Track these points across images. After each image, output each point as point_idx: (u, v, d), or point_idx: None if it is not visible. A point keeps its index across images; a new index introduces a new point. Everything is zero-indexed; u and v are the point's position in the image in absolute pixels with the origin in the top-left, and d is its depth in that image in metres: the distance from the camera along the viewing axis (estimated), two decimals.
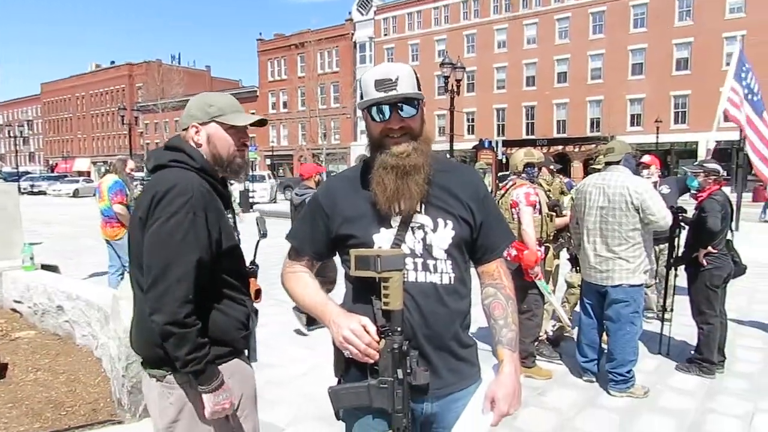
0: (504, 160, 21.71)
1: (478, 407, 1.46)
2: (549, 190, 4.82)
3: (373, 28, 46.39)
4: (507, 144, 30.95)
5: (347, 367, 1.50)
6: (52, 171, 62.88)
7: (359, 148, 46.46)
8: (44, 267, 5.48)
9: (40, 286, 4.76)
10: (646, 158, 6.00)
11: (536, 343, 4.47)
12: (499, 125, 41.21)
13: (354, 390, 1.45)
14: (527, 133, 39.68)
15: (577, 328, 4.45)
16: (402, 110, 1.44)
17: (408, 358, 1.39)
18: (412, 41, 44.55)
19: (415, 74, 1.48)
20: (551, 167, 5.10)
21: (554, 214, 4.62)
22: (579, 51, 37.41)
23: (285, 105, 50.81)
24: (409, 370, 1.39)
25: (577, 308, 4.85)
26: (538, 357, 4.44)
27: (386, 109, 1.43)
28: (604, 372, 4.00)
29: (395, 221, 1.47)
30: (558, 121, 39.03)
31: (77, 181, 40.06)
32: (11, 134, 75.27)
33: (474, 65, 40.38)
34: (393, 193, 1.43)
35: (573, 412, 3.65)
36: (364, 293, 1.47)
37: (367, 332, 1.38)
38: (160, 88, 49.80)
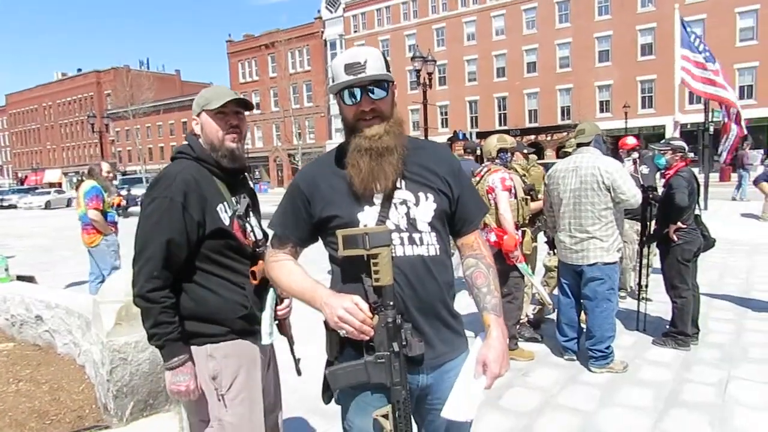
0: (479, 151, 21.87)
1: (469, 374, 1.50)
2: (524, 175, 4.91)
3: (343, 26, 46.26)
4: (480, 135, 31.15)
5: (342, 347, 1.52)
6: (22, 183, 61.35)
7: (335, 146, 46.29)
8: (20, 278, 5.39)
9: (17, 297, 4.68)
10: (631, 140, 6.14)
11: (518, 326, 4.55)
12: (472, 117, 41.53)
13: (351, 368, 1.47)
14: (500, 124, 40.04)
15: (556, 309, 4.56)
16: (372, 93, 1.47)
17: (402, 331, 1.43)
18: (382, 37, 44.54)
19: (384, 57, 1.52)
20: (525, 152, 5.19)
21: (529, 198, 4.71)
22: (547, 40, 37.87)
23: (258, 106, 50.35)
24: (404, 343, 1.42)
25: (556, 291, 4.97)
26: (519, 339, 4.53)
27: (357, 92, 1.47)
28: (584, 350, 4.10)
29: (378, 198, 1.50)
30: (529, 111, 39.48)
31: (48, 193, 39.17)
32: None
33: (445, 59, 40.61)
34: (368, 174, 1.47)
35: (556, 389, 3.75)
36: (353, 272, 1.50)
37: (361, 309, 1.40)
38: (129, 94, 48.92)
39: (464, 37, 41.43)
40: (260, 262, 1.87)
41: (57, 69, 78.86)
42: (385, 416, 1.45)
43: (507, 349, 1.53)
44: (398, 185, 1.52)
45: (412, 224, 1.51)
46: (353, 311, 1.40)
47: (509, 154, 4.69)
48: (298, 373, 2.08)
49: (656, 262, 5.17)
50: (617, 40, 35.44)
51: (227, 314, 1.84)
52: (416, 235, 1.51)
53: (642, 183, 5.35)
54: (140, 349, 3.15)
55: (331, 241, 1.54)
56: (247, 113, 2.00)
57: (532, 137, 37.16)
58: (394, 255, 1.46)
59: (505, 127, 38.69)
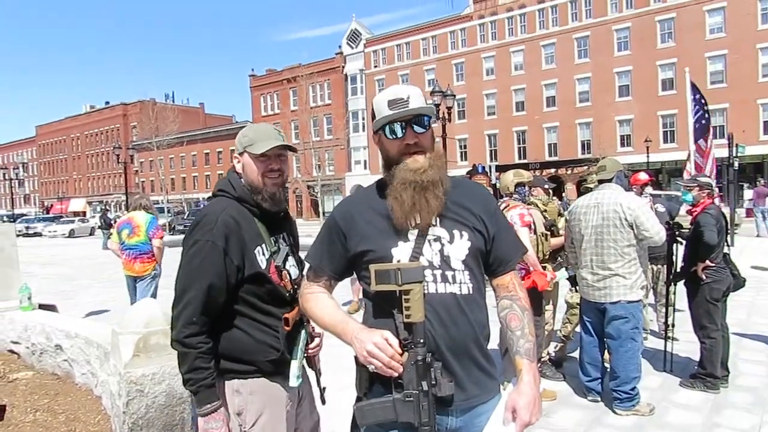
0: (498, 185, 21.85)
1: (499, 420, 1.46)
2: (545, 210, 4.87)
3: (363, 61, 47.21)
4: (500, 169, 31.15)
5: (371, 383, 1.50)
6: (48, 212, 62.76)
7: (354, 178, 46.64)
8: (42, 306, 5.44)
9: (38, 326, 4.72)
10: (643, 176, 6.05)
11: (539, 365, 4.44)
12: (491, 150, 41.63)
13: (379, 405, 1.44)
14: (519, 158, 40.06)
15: (579, 347, 4.44)
16: (415, 127, 1.50)
17: (432, 370, 1.40)
18: (402, 72, 45.31)
19: (424, 95, 1.56)
20: (546, 187, 5.15)
21: (549, 234, 4.66)
22: (566, 75, 38.12)
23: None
24: (433, 382, 1.40)
25: (578, 328, 4.85)
26: (541, 378, 4.41)
27: (399, 127, 1.50)
28: (608, 390, 3.97)
29: (412, 234, 1.50)
30: (549, 145, 39.46)
31: (72, 221, 39.99)
32: (6, 177, 75.52)
33: (464, 93, 41.05)
34: (410, 207, 1.48)
35: (580, 431, 3.62)
36: (384, 308, 1.49)
37: (390, 345, 1.38)
38: (154, 126, 50.24)
39: (483, 72, 41.92)
40: (296, 308, 1.86)
41: (86, 101, 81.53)
42: None
43: (539, 396, 1.48)
44: (433, 222, 1.51)
45: (445, 261, 1.50)
46: (383, 347, 1.38)
47: (527, 188, 4.67)
48: (323, 402, 2.06)
49: (679, 298, 5.04)
50: (637, 74, 35.50)
51: (258, 356, 1.83)
52: (449, 273, 1.50)
53: (667, 221, 5.25)
54: (157, 381, 3.14)
55: (365, 276, 1.54)
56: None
57: (552, 170, 37.02)
58: (426, 292, 1.45)
59: (525, 161, 38.69)
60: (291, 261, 1.95)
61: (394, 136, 1.51)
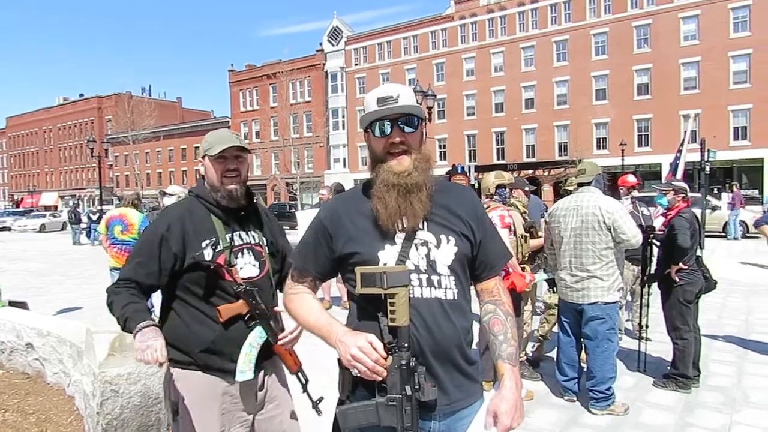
0: (477, 185, 22.05)
1: (481, 423, 1.46)
2: (525, 212, 4.91)
3: (344, 58, 47.05)
4: (479, 169, 31.40)
5: (354, 386, 1.49)
6: (18, 206, 61.13)
7: (333, 176, 46.46)
8: (12, 303, 5.30)
9: (8, 324, 4.59)
10: (631, 179, 6.04)
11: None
12: (470, 151, 41.91)
13: (362, 409, 1.43)
14: (498, 158, 40.42)
15: (556, 347, 4.50)
16: (403, 126, 1.49)
17: (416, 374, 1.39)
18: (382, 70, 45.29)
19: (415, 95, 1.55)
20: (526, 189, 5.20)
21: (528, 235, 4.71)
22: (545, 78, 38.56)
23: (258, 135, 50.80)
24: (417, 386, 1.39)
25: (556, 328, 4.92)
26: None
27: (387, 125, 1.49)
28: (585, 390, 4.03)
29: (399, 238, 1.49)
30: (527, 146, 39.90)
31: (44, 216, 39.00)
32: None
33: (444, 93, 41.22)
34: (395, 210, 1.46)
35: (556, 431, 3.66)
36: (369, 311, 1.48)
37: (375, 349, 1.37)
38: (130, 120, 49.32)
39: (464, 73, 42.15)
40: (237, 303, 1.94)
41: (59, 93, 79.63)
42: None
43: (521, 400, 1.48)
44: (420, 226, 1.51)
45: (431, 266, 1.49)
46: (367, 350, 1.37)
47: (507, 190, 4.71)
48: (318, 413, 2.00)
49: (652, 298, 5.14)
50: (614, 79, 36.12)
51: (191, 346, 1.93)
52: (435, 278, 1.49)
53: (642, 223, 5.35)
54: (132, 381, 3.07)
55: (350, 278, 1.52)
56: (245, 141, 2.13)
57: (530, 172, 37.48)
58: (411, 296, 1.44)
59: (503, 162, 39.05)
60: (248, 258, 2.03)
61: (381, 134, 1.50)
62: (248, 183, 2.08)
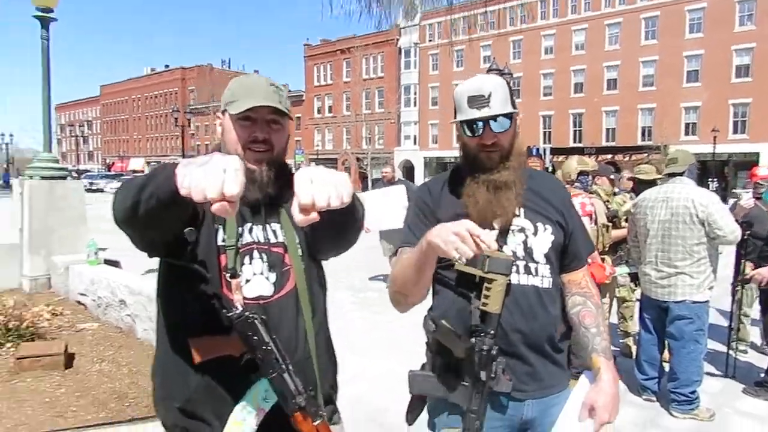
0: (551, 168, 21.35)
1: (573, 415, 1.45)
2: (607, 201, 4.69)
3: (418, 34, 46.45)
4: (554, 152, 30.36)
5: (434, 361, 1.50)
6: (109, 170, 65.62)
7: (403, 153, 46.52)
8: (107, 262, 5.72)
9: (104, 280, 4.97)
10: (764, 171, 5.37)
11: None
12: (545, 132, 40.51)
13: (432, 378, 1.47)
14: (574, 141, 38.85)
15: (635, 344, 4.32)
16: (495, 125, 1.45)
17: (495, 363, 1.39)
18: (457, 47, 44.30)
19: (508, 86, 1.49)
20: (611, 176, 4.96)
21: (610, 225, 4.50)
22: (630, 57, 36.38)
23: (330, 109, 51.48)
24: (493, 375, 1.38)
25: (633, 324, 4.71)
26: None
27: (479, 124, 1.45)
28: (665, 391, 3.85)
29: (496, 224, 1.48)
30: (607, 129, 38.05)
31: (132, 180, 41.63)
32: (72, 134, 79.26)
33: (520, 71, 39.87)
34: (485, 207, 1.45)
35: (634, 431, 3.53)
36: (462, 288, 1.47)
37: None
38: (210, 91, 51.37)
39: (542, 51, 40.55)
40: (226, 338, 1.23)
41: (147, 64, 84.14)
42: None
43: (618, 394, 1.46)
44: (516, 212, 1.49)
45: (528, 253, 1.49)
46: (469, 225, 1.22)
47: (590, 177, 4.52)
48: None
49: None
50: (709, 59, 33.53)
51: (171, 395, 1.32)
52: (532, 265, 1.49)
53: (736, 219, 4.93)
54: None
55: (442, 258, 1.44)
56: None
57: (609, 156, 35.78)
58: (508, 282, 1.43)
59: (580, 145, 37.53)
60: (258, 265, 1.33)
61: (472, 134, 1.47)
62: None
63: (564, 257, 1.57)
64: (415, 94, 46.40)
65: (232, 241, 1.29)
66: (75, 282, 5.43)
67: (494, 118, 1.43)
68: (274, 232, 1.36)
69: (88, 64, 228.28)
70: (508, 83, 1.52)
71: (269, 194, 1.34)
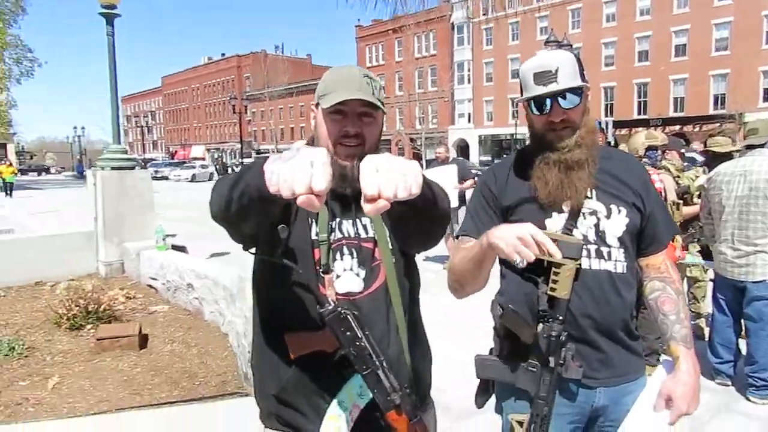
0: (613, 143, 20.46)
1: (648, 404, 1.41)
2: (677, 176, 4.44)
3: (471, 9, 45.24)
4: (617, 125, 29.06)
5: (502, 345, 1.48)
6: (172, 157, 68.48)
7: (457, 131, 45.89)
8: (174, 247, 5.99)
9: (172, 265, 5.21)
10: None
11: (659, 340, 4.17)
12: (606, 105, 38.76)
13: (500, 364, 1.45)
14: (639, 113, 36.98)
15: (708, 326, 4.10)
16: (563, 101, 1.39)
17: (564, 349, 1.35)
18: (512, 20, 42.89)
19: (578, 60, 1.43)
20: (681, 151, 4.68)
21: (681, 202, 4.27)
22: (701, 20, 34.02)
23: (383, 90, 51.36)
24: (562, 361, 1.35)
25: (708, 305, 4.47)
26: (660, 355, 4.14)
27: (547, 101, 1.39)
28: (741, 375, 3.65)
29: (566, 206, 1.44)
30: (675, 99, 35.94)
31: (194, 167, 43.42)
32: (137, 124, 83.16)
33: (580, 41, 38.14)
34: (556, 188, 1.41)
35: (707, 416, 3.37)
36: (529, 272, 1.43)
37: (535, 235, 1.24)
38: (266, 78, 52.37)
39: (603, 18, 38.60)
40: (318, 334, 1.24)
41: (204, 54, 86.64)
42: (521, 423, 1.42)
43: (697, 385, 1.40)
44: (588, 194, 1.44)
45: (600, 237, 1.44)
46: (533, 230, 1.23)
47: (659, 152, 4.29)
48: None
49: None
50: None
51: (266, 385, 1.36)
52: (605, 249, 1.44)
53: None
54: None
55: None
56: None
57: (677, 128, 33.85)
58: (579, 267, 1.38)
59: (645, 116, 35.73)
60: (348, 261, 1.32)
61: (540, 112, 1.41)
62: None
63: (641, 240, 1.51)
64: (468, 71, 45.49)
65: (324, 236, 1.29)
66: (146, 266, 5.73)
67: (562, 94, 1.37)
68: (364, 226, 1.35)
69: (151, 56, 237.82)
70: (577, 56, 1.45)
71: (360, 190, 1.19)
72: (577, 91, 1.39)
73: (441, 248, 7.78)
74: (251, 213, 1.12)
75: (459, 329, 4.69)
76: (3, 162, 26.90)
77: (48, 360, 3.84)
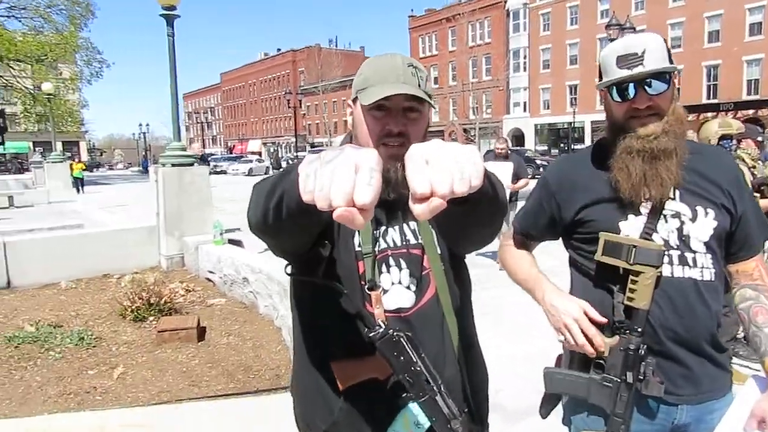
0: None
1: (737, 424, 1.28)
2: (754, 167, 4.13)
3: None
4: (685, 110, 27.51)
5: (572, 354, 1.40)
6: (231, 152, 70.71)
7: (512, 120, 44.89)
8: (230, 242, 6.14)
9: (229, 259, 5.34)
10: None
11: (732, 342, 3.90)
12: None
13: (572, 378, 1.36)
14: (708, 97, 34.87)
15: None
16: (649, 87, 1.26)
17: (643, 364, 1.26)
18: (570, 3, 41.38)
19: (666, 45, 1.29)
20: (758, 139, 4.34)
21: (759, 194, 3.97)
22: None
23: (436, 81, 50.80)
24: (641, 377, 1.25)
25: None
26: (734, 359, 3.87)
27: (630, 87, 1.27)
28: None
29: (645, 208, 1.32)
30: (749, 81, 33.61)
31: (251, 161, 44.62)
32: (198, 120, 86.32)
33: (643, 23, 36.21)
34: (639, 179, 1.29)
35: None
36: (602, 281, 1.35)
37: (592, 321, 1.29)
38: (320, 72, 53.02)
39: None
40: (367, 361, 1.11)
41: (261, 49, 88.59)
42: None
43: None
44: (671, 195, 1.31)
45: (684, 242, 1.32)
46: (584, 325, 1.29)
47: (734, 141, 3.98)
48: None
49: None
50: None
51: (314, 419, 1.23)
52: (689, 255, 1.31)
53: None
54: None
55: (581, 245, 1.42)
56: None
57: (750, 112, 31.72)
58: (659, 275, 1.28)
59: (715, 101, 33.68)
60: (396, 274, 1.17)
61: (623, 99, 1.29)
62: (426, 130, 1.20)
63: (731, 245, 1.38)
64: (524, 58, 44.30)
65: (368, 247, 1.14)
66: (204, 260, 5.91)
67: (648, 79, 1.25)
68: (413, 231, 1.20)
69: (210, 53, 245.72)
70: (665, 40, 1.31)
71: (405, 195, 1.04)
72: (665, 78, 1.26)
73: (492, 243, 7.60)
74: (288, 227, 0.96)
75: (508, 324, 4.56)
76: (73, 159, 28.60)
77: (114, 350, 4.03)
